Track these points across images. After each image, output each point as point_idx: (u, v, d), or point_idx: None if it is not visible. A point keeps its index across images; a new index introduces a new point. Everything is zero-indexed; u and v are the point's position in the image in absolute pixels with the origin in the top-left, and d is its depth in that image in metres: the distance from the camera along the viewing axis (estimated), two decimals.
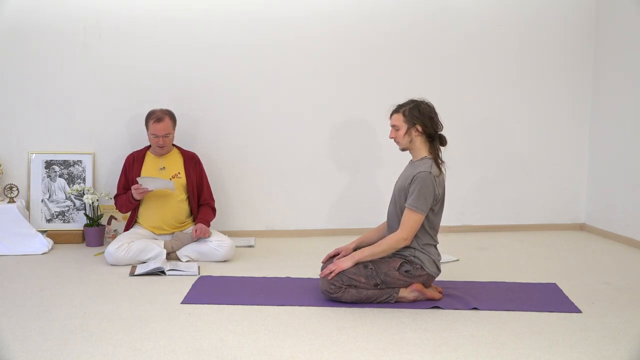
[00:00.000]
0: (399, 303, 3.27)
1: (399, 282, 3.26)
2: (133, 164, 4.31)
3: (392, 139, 3.37)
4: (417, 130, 3.27)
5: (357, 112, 5.03)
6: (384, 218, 5.17)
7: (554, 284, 3.71)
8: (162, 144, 4.22)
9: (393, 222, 3.37)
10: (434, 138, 3.31)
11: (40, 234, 4.39)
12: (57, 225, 4.66)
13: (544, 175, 5.34)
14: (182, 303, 3.28)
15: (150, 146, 4.38)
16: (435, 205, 3.27)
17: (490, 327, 2.98)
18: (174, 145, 4.41)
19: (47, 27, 4.61)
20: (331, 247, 3.75)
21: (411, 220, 3.20)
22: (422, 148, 3.32)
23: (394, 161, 5.10)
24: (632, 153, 4.81)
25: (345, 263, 3.23)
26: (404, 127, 3.29)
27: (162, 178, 4.16)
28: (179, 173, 4.31)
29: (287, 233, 5.02)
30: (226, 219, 4.93)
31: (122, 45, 4.70)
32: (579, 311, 3.22)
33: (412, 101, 3.32)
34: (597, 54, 5.21)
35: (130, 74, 4.73)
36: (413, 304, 3.27)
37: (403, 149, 3.37)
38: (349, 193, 5.09)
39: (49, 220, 4.67)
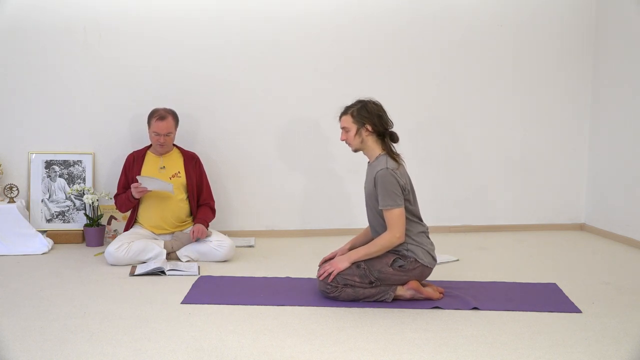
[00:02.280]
0: (399, 302, 3.27)
1: (393, 278, 3.26)
2: (133, 164, 4.31)
3: (344, 141, 3.37)
4: (367, 129, 3.29)
5: None
6: None
7: (554, 284, 3.71)
8: (162, 143, 4.22)
9: (375, 224, 3.38)
10: (385, 136, 3.32)
11: (40, 234, 4.39)
12: (57, 225, 4.66)
13: (544, 175, 5.34)
14: (182, 303, 3.28)
15: (150, 146, 4.38)
16: (407, 195, 3.27)
17: (490, 327, 2.98)
18: (174, 145, 4.41)
19: (47, 26, 4.61)
20: (331, 247, 3.75)
21: (394, 217, 3.19)
22: (374, 147, 3.33)
23: None
24: (632, 153, 4.81)
25: (342, 264, 3.24)
26: (353, 128, 3.30)
27: (162, 179, 4.16)
28: (178, 172, 4.31)
29: (287, 233, 5.02)
30: (226, 219, 4.93)
31: (122, 45, 4.70)
32: (579, 311, 3.21)
33: (360, 101, 3.34)
34: (597, 54, 5.21)
35: (130, 74, 4.73)
36: (413, 304, 3.26)
37: (355, 150, 3.38)
38: (349, 193, 5.08)
39: (49, 220, 4.67)
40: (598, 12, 5.18)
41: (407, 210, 3.27)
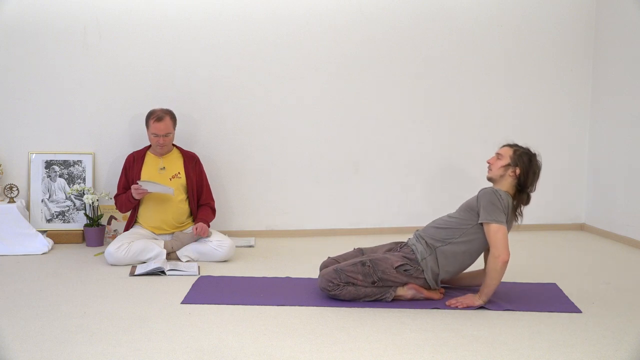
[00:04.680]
0: (399, 302, 3.27)
1: (396, 280, 3.26)
2: (133, 164, 4.31)
3: (488, 164, 3.38)
4: (515, 172, 3.29)
5: (357, 111, 5.03)
6: (383, 218, 5.20)
7: (554, 284, 3.71)
8: (162, 143, 4.22)
9: (433, 224, 3.39)
10: (521, 191, 3.31)
11: (40, 234, 4.39)
12: (57, 225, 4.66)
13: (544, 175, 5.26)
14: (182, 303, 3.27)
15: (150, 146, 4.38)
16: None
17: (490, 327, 2.98)
18: (174, 145, 4.41)
19: (47, 27, 4.61)
20: (331, 247, 3.74)
21: (493, 233, 3.16)
22: (504, 188, 3.32)
23: (393, 161, 5.11)
24: (632, 153, 4.81)
25: (477, 301, 3.20)
26: (506, 161, 3.31)
27: (163, 184, 4.16)
28: (178, 173, 4.31)
29: (287, 233, 5.02)
30: (226, 219, 4.92)
31: (122, 45, 4.70)
32: (579, 311, 3.21)
33: (528, 149, 3.34)
34: (597, 54, 5.21)
35: (130, 74, 4.73)
36: (413, 304, 3.26)
37: (489, 178, 3.37)
38: (348, 193, 5.09)
39: (49, 220, 4.67)
40: (598, 12, 5.18)
41: (477, 241, 3.26)
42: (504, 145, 3.40)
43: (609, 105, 5.10)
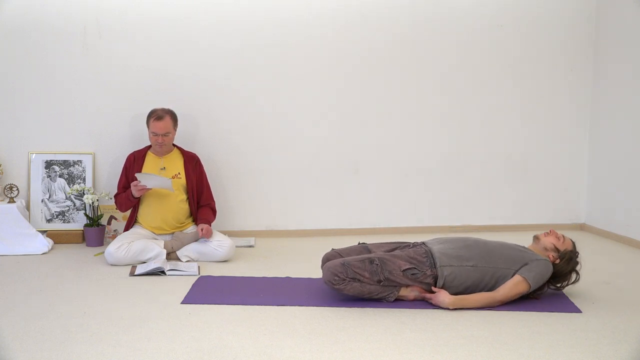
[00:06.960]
0: (400, 302, 3.27)
1: (401, 282, 3.26)
2: (133, 164, 4.31)
3: (550, 230, 3.51)
4: (554, 260, 3.39)
5: (358, 112, 5.03)
6: (383, 218, 5.19)
7: None
8: (161, 143, 4.22)
9: (462, 249, 3.38)
10: (551, 278, 3.39)
11: (40, 234, 4.39)
12: (57, 225, 4.66)
13: (544, 175, 5.34)
14: (182, 303, 3.28)
15: (150, 146, 4.38)
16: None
17: (490, 327, 2.98)
18: (174, 145, 4.41)
19: (48, 27, 4.61)
20: (331, 247, 3.73)
21: (515, 288, 3.26)
22: (541, 252, 3.45)
23: (393, 161, 5.11)
24: (632, 153, 4.81)
25: (447, 301, 3.23)
26: (560, 247, 3.42)
27: (161, 176, 4.16)
28: (179, 173, 4.31)
29: (287, 233, 5.02)
30: (226, 219, 4.92)
31: (123, 45, 4.70)
32: (579, 311, 3.22)
33: (578, 264, 3.42)
34: (597, 54, 5.21)
35: (130, 74, 4.73)
36: (413, 304, 3.27)
37: (539, 238, 3.50)
38: (348, 193, 5.09)
39: (49, 220, 4.67)
40: (598, 12, 5.18)
41: (492, 279, 3.30)
42: (571, 240, 3.50)
43: (609, 105, 5.10)
